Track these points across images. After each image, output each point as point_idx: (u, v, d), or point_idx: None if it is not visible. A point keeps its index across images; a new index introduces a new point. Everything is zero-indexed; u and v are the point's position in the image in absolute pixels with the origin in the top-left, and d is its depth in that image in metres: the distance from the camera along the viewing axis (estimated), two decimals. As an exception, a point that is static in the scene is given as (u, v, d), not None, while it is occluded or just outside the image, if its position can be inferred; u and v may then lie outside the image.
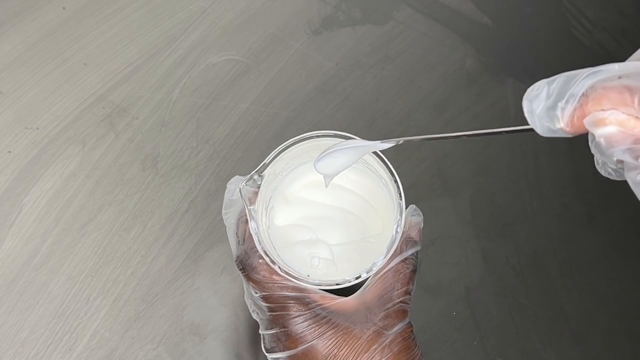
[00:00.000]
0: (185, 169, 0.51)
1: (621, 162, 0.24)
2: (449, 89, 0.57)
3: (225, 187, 0.51)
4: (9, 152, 0.51)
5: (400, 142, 0.31)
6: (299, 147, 0.35)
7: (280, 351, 0.33)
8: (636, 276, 0.52)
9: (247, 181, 0.34)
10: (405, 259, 0.34)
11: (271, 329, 0.33)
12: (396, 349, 0.33)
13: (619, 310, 0.51)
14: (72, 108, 0.53)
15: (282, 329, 0.33)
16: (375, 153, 0.34)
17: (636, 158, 0.23)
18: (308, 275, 0.34)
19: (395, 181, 0.34)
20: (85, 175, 0.50)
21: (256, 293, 0.34)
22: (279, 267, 0.32)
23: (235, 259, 0.35)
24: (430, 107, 0.56)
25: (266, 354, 0.35)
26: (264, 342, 0.35)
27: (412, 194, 0.52)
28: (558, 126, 0.25)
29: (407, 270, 0.34)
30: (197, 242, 0.49)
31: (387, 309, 0.33)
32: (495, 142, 0.55)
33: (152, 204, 0.50)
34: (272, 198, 0.38)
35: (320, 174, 0.34)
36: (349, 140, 0.33)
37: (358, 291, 0.34)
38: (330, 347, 0.32)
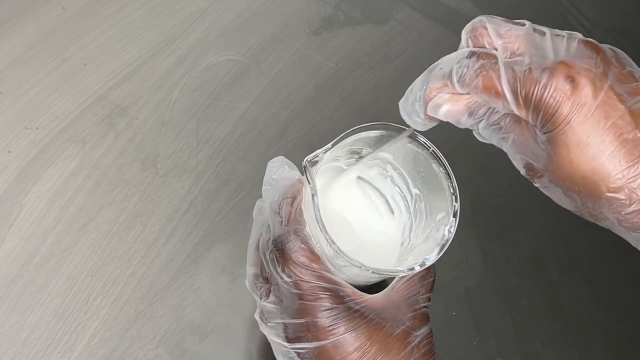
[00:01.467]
0: (185, 169, 0.51)
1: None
2: (449, 89, 0.57)
3: (225, 187, 0.52)
4: (9, 152, 0.51)
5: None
6: (357, 137, 0.35)
7: (308, 341, 0.32)
8: (636, 276, 0.52)
9: (312, 159, 0.33)
10: (429, 268, 0.35)
11: (300, 317, 0.32)
12: (423, 350, 0.33)
13: (619, 310, 0.51)
14: (72, 108, 0.53)
15: (314, 319, 0.32)
16: (436, 158, 0.36)
17: (471, 115, 0.32)
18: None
19: (451, 183, 0.35)
20: (85, 175, 0.50)
21: (289, 278, 0.33)
22: (337, 248, 0.32)
23: (273, 239, 0.34)
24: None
25: (287, 343, 0.34)
26: (285, 332, 0.34)
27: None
28: (420, 119, 0.34)
29: (430, 279, 0.36)
30: (197, 242, 0.49)
31: (415, 310, 0.34)
32: (495, 142, 0.55)
33: (152, 204, 0.50)
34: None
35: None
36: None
37: (383, 291, 0.35)
38: (362, 341, 0.32)
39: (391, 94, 0.56)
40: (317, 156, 0.33)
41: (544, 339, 0.49)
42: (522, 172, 0.32)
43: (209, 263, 0.49)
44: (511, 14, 0.62)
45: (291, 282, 0.32)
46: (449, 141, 0.55)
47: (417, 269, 0.33)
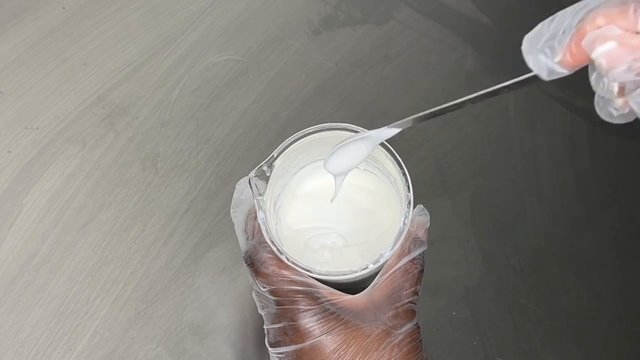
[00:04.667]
0: (185, 169, 0.51)
1: (622, 96, 0.23)
2: (449, 89, 0.57)
3: (225, 187, 0.52)
4: (9, 152, 0.51)
5: (409, 124, 0.31)
6: (307, 141, 0.35)
7: (286, 345, 0.33)
8: (636, 276, 0.52)
9: (257, 172, 0.34)
10: (414, 259, 0.34)
11: (278, 322, 0.33)
12: (405, 349, 0.33)
13: (619, 310, 0.51)
14: (72, 108, 0.53)
15: (290, 323, 0.32)
16: (382, 146, 0.34)
17: (638, 75, 0.22)
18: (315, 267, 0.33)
19: (404, 173, 0.34)
20: (85, 175, 0.50)
21: (264, 288, 0.33)
22: (286, 257, 0.32)
23: (243, 255, 0.35)
24: (430, 107, 0.56)
25: (270, 348, 0.34)
26: (268, 337, 0.34)
27: (412, 194, 0.52)
28: (557, 59, 0.24)
29: (416, 271, 0.34)
30: (197, 242, 0.49)
31: (397, 308, 0.33)
32: (495, 142, 0.55)
33: (152, 204, 0.50)
34: (281, 195, 0.38)
35: (331, 173, 0.34)
36: (355, 134, 0.33)
37: (366, 289, 0.34)
38: (339, 343, 0.32)
39: (391, 94, 0.56)
40: (262, 168, 0.33)
41: (544, 339, 0.49)
42: None
43: (209, 263, 0.49)
44: (511, 14, 0.62)
45: (266, 290, 0.33)
46: (449, 141, 0.55)
47: (371, 267, 0.33)
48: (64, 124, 0.52)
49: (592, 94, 0.25)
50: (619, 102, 0.24)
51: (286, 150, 0.35)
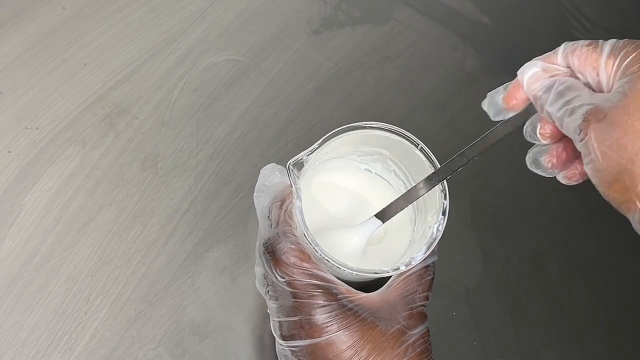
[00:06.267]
0: (185, 169, 0.51)
1: (546, 139, 0.33)
2: (449, 89, 0.57)
3: (225, 187, 0.52)
4: (9, 152, 0.51)
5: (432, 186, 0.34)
6: (345, 137, 0.35)
7: (302, 339, 0.33)
8: (636, 276, 0.52)
9: (296, 161, 0.33)
10: (427, 266, 0.35)
11: (294, 315, 0.33)
12: (419, 349, 0.33)
13: (619, 310, 0.51)
14: (72, 108, 0.53)
15: (307, 317, 0.32)
16: (422, 151, 0.35)
17: (548, 90, 0.31)
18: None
19: (441, 180, 0.34)
20: (85, 175, 0.50)
21: (282, 278, 0.33)
22: (320, 249, 0.32)
23: (264, 242, 0.34)
24: (430, 107, 0.56)
25: (282, 341, 0.34)
26: (280, 329, 0.34)
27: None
28: (500, 97, 0.34)
29: (429, 277, 0.35)
30: (197, 242, 0.49)
31: (411, 309, 0.34)
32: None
33: (152, 204, 0.50)
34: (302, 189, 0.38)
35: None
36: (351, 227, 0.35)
37: (380, 289, 0.35)
38: (356, 339, 0.32)
39: (391, 94, 0.56)
40: (302, 158, 0.33)
41: (544, 339, 0.49)
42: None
43: (209, 263, 0.49)
44: (511, 14, 0.62)
45: (284, 281, 0.33)
46: (449, 141, 0.55)
47: (403, 268, 0.33)
48: (64, 124, 0.52)
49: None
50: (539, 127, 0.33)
51: (327, 143, 0.34)
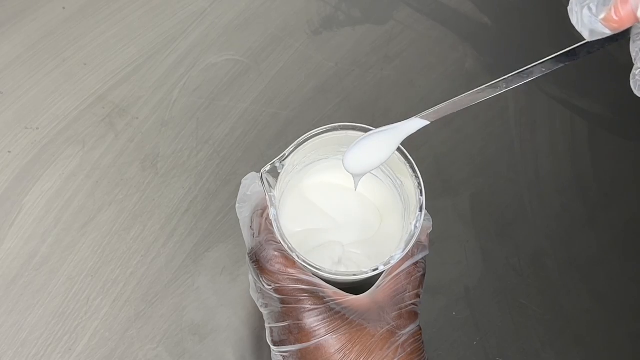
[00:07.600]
0: (185, 169, 0.51)
1: None
2: (449, 89, 0.57)
3: (225, 187, 0.52)
4: (9, 152, 0.51)
5: (440, 114, 0.30)
6: (319, 140, 0.35)
7: (291, 344, 0.33)
8: (636, 276, 0.52)
9: (269, 168, 0.33)
10: (417, 262, 0.35)
11: (283, 321, 0.33)
12: (409, 349, 0.33)
13: (619, 310, 0.51)
14: (72, 108, 0.53)
15: (295, 322, 0.32)
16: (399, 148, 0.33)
17: None
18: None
19: (417, 176, 0.34)
20: (85, 175, 0.50)
21: (269, 286, 0.33)
22: (297, 255, 0.32)
23: (248, 252, 0.35)
24: (430, 107, 0.56)
25: (273, 347, 0.34)
26: (271, 335, 0.34)
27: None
28: (601, 16, 0.24)
29: (418, 274, 0.35)
30: (197, 242, 0.49)
31: (400, 309, 0.33)
32: (495, 142, 0.55)
33: (152, 204, 0.50)
34: (285, 193, 0.38)
35: (351, 173, 0.33)
36: (377, 129, 0.32)
37: (369, 290, 0.34)
38: (344, 342, 0.32)
39: (391, 94, 0.56)
40: (275, 164, 0.33)
41: (544, 339, 0.49)
42: None
43: (209, 263, 0.49)
44: (511, 14, 0.62)
45: (271, 289, 0.33)
46: (449, 141, 0.55)
47: (382, 268, 0.33)
48: (64, 124, 0.52)
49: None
50: None
51: (299, 148, 0.34)
